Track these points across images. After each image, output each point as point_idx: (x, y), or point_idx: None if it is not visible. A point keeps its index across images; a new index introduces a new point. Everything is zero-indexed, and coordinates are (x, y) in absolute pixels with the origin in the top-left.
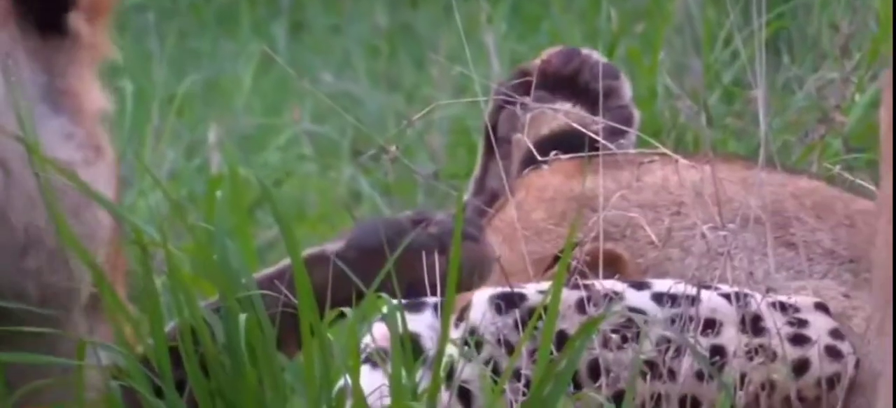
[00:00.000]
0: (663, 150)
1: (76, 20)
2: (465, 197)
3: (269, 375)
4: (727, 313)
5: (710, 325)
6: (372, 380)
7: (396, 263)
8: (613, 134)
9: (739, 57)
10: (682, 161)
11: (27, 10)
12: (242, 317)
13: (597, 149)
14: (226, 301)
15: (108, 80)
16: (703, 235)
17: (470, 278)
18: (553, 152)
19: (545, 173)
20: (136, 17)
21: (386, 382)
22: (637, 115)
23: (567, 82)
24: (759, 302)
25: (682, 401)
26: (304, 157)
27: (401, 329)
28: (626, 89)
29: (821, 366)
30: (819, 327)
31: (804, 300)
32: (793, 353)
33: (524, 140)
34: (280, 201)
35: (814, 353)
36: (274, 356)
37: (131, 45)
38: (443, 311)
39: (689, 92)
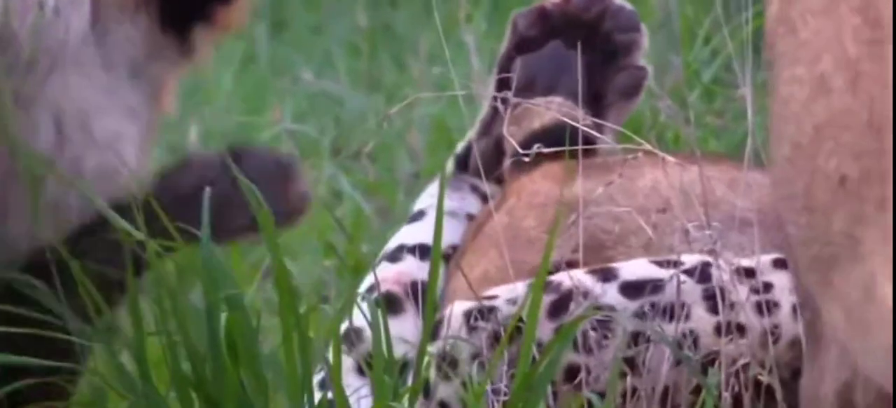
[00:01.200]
0: (649, 147)
1: (199, 35)
2: (471, 135)
3: (252, 373)
4: (693, 292)
5: (680, 308)
6: (352, 381)
7: (209, 209)
8: (624, 96)
9: (719, 55)
10: (670, 159)
11: (159, 2)
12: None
13: (587, 145)
14: (208, 298)
15: None
16: (688, 235)
17: (285, 222)
18: (539, 148)
19: (536, 178)
20: None
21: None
22: (649, 71)
23: (586, 28)
24: (722, 272)
25: (663, 392)
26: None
27: (382, 331)
28: (645, 42)
29: (791, 327)
30: (783, 285)
31: (764, 259)
32: (763, 323)
33: (511, 140)
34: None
35: (783, 316)
36: (257, 354)
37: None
38: (424, 313)
39: (670, 90)
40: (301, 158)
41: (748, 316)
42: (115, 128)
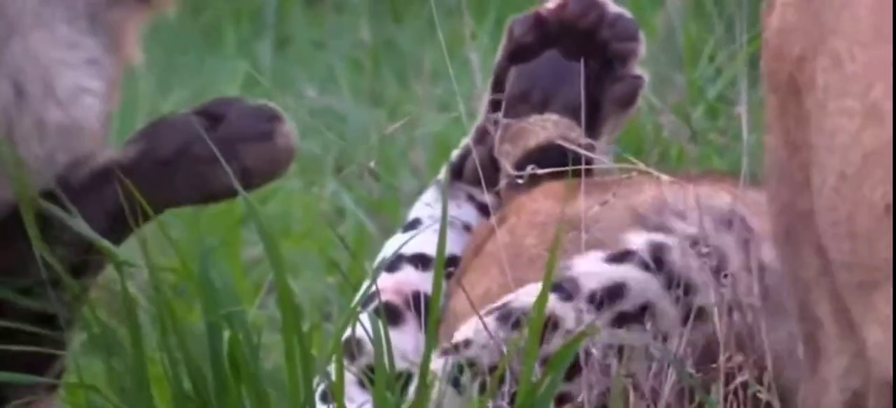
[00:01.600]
0: (642, 166)
1: None
2: (467, 141)
3: (254, 391)
4: (654, 288)
5: (645, 310)
6: (357, 396)
7: (189, 173)
8: (620, 106)
9: (723, 72)
10: (664, 178)
11: None
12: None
13: (583, 164)
14: (209, 317)
15: None
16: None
17: (268, 178)
18: (532, 167)
19: (537, 196)
20: None
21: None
22: (646, 79)
23: (583, 36)
24: (676, 250)
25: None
26: (288, 173)
27: (385, 346)
28: (642, 51)
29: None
30: (733, 248)
31: (709, 225)
32: (721, 297)
33: (506, 162)
34: (264, 218)
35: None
36: (259, 372)
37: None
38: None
39: (673, 107)
40: (303, 174)
41: (710, 297)
42: (78, 82)
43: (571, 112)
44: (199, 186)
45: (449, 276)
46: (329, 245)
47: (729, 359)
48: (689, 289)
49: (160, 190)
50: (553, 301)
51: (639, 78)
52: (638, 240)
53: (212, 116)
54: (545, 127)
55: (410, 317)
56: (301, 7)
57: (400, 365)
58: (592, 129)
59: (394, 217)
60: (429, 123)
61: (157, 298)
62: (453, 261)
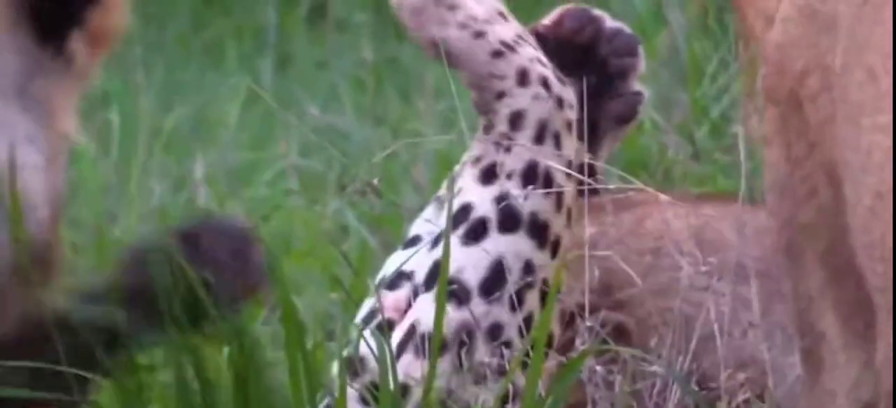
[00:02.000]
0: (640, 185)
1: (76, 43)
2: (467, 158)
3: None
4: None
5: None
6: None
7: (166, 295)
8: (619, 122)
9: (727, 91)
10: (663, 197)
11: (29, 15)
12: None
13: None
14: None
15: (94, 112)
16: (692, 285)
17: (243, 302)
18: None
19: None
20: (123, 50)
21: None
22: (646, 95)
23: (581, 52)
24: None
25: None
26: (291, 191)
27: (389, 364)
28: (642, 66)
29: None
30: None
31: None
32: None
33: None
34: (267, 236)
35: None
36: (264, 390)
37: (118, 78)
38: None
39: (677, 126)
40: (305, 192)
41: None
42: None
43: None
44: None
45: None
46: (332, 262)
47: (730, 377)
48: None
49: (141, 315)
50: (452, 312)
51: (638, 94)
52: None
53: (187, 238)
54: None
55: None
56: (303, 25)
57: (401, 382)
58: (591, 146)
59: (396, 234)
60: (431, 141)
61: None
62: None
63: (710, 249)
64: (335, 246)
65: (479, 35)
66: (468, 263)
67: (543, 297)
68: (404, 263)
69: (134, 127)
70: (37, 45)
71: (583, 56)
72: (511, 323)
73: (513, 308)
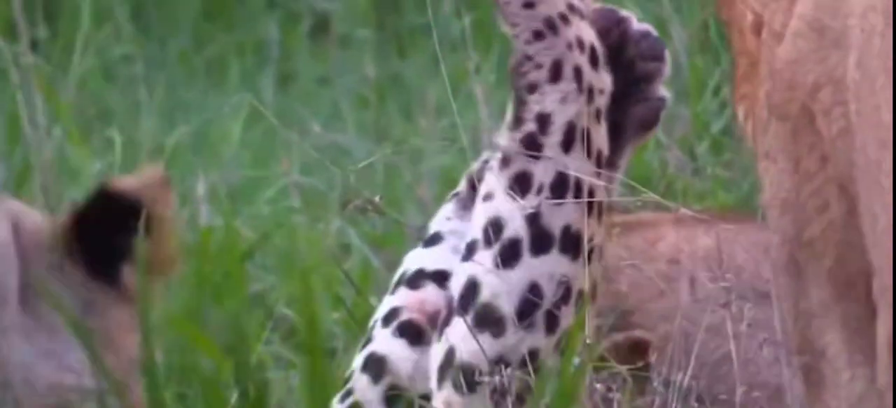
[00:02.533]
0: (655, 197)
1: (128, 275)
2: (485, 156)
3: None
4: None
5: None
6: None
7: None
8: (642, 127)
9: (728, 107)
10: (685, 211)
11: (82, 250)
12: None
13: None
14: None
15: (96, 129)
16: (713, 311)
17: None
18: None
19: None
20: (125, 68)
21: None
22: (669, 100)
23: (608, 55)
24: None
25: None
26: (293, 209)
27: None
28: (667, 71)
29: None
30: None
31: None
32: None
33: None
34: (269, 254)
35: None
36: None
37: (120, 96)
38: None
39: (678, 141)
40: (308, 210)
41: None
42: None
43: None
44: None
45: None
46: (334, 281)
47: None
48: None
49: None
50: (489, 342)
51: (662, 99)
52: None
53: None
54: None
55: (434, 337)
56: (305, 42)
57: (423, 387)
58: (613, 153)
59: (399, 252)
60: (434, 158)
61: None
62: None
63: (724, 270)
64: (337, 264)
65: (529, 5)
66: (503, 289)
67: (578, 305)
68: (426, 261)
69: (136, 144)
70: (90, 279)
71: (610, 57)
72: (547, 345)
73: (549, 329)
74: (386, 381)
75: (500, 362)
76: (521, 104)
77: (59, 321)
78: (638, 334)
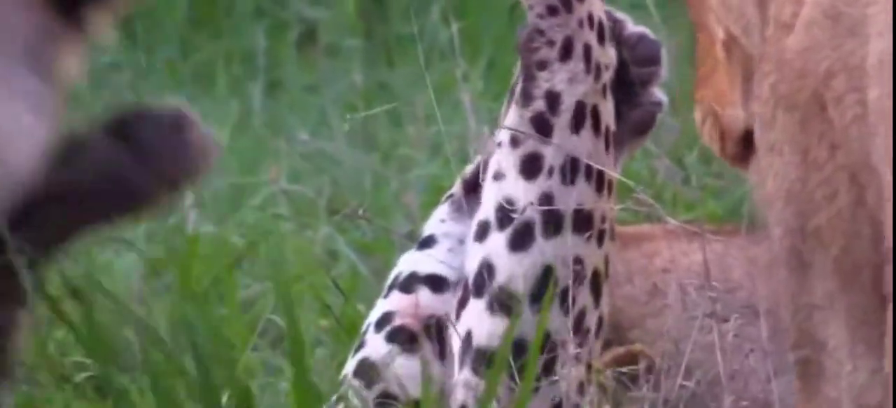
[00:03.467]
0: (652, 202)
1: (89, 13)
2: (479, 158)
3: None
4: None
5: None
6: None
7: (113, 191)
8: (637, 132)
9: None
10: (673, 223)
11: None
12: None
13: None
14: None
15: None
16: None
17: (193, 175)
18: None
19: None
20: (112, 76)
21: None
22: (665, 102)
23: None
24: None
25: None
26: (281, 216)
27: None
28: (664, 74)
29: None
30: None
31: None
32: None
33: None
34: (257, 261)
35: None
36: None
37: (107, 103)
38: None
39: (668, 151)
40: (296, 217)
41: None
42: (11, 116)
43: None
44: (123, 203)
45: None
46: (322, 288)
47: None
48: None
49: (84, 215)
50: (505, 326)
51: (658, 104)
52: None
53: (126, 126)
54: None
55: (427, 345)
56: (293, 50)
57: (414, 395)
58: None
59: (387, 260)
60: (422, 166)
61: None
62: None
63: (719, 286)
64: (325, 272)
65: None
66: (517, 272)
67: (594, 284)
68: (418, 265)
69: None
70: (52, 14)
71: None
72: (562, 327)
73: (565, 310)
74: (378, 387)
75: (516, 344)
76: (529, 79)
77: (18, 50)
78: (638, 347)
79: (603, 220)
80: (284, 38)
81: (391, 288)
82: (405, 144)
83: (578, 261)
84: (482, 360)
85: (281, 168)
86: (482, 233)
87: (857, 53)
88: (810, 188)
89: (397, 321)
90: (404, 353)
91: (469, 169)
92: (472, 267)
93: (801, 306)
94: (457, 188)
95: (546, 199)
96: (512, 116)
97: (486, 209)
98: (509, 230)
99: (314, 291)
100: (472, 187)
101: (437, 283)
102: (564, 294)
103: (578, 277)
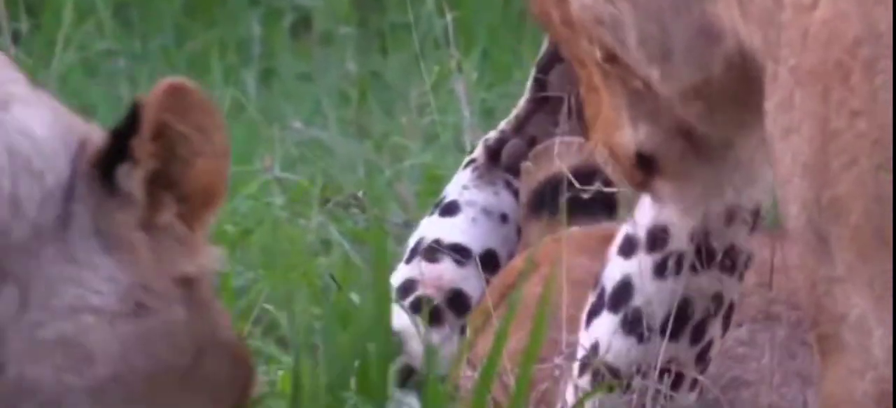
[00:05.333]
0: None
1: (123, 175)
2: (503, 126)
3: None
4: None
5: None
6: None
7: None
8: None
9: None
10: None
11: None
12: None
13: (609, 194)
14: None
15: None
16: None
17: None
18: (550, 199)
19: (572, 250)
20: (107, 63)
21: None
22: None
23: None
24: None
25: None
26: (275, 204)
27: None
28: None
29: None
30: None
31: None
32: None
33: (526, 180)
34: (250, 249)
35: None
36: None
37: (102, 91)
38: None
39: None
40: (289, 206)
41: None
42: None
43: None
44: None
45: (489, 268)
46: (316, 277)
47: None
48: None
49: None
50: (633, 346)
51: None
52: None
53: None
54: (570, 150)
55: (450, 319)
56: (287, 38)
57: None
58: None
59: (380, 249)
60: (415, 155)
61: None
62: (491, 256)
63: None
64: (319, 260)
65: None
66: (656, 298)
67: (726, 318)
68: (442, 231)
69: None
70: (101, 187)
71: None
72: (688, 356)
73: (694, 340)
74: (399, 360)
75: (639, 366)
76: None
77: (88, 240)
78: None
79: (748, 258)
80: (279, 27)
81: (414, 253)
82: (398, 133)
83: (718, 297)
84: (604, 374)
85: (274, 156)
86: (629, 249)
87: (884, 20)
88: (828, 158)
89: (420, 290)
90: (428, 328)
91: (492, 135)
92: (611, 278)
93: (820, 279)
94: (479, 153)
95: (703, 235)
96: None
97: (638, 226)
98: (658, 256)
99: (307, 279)
100: (495, 155)
101: (461, 253)
102: (697, 326)
103: (715, 313)
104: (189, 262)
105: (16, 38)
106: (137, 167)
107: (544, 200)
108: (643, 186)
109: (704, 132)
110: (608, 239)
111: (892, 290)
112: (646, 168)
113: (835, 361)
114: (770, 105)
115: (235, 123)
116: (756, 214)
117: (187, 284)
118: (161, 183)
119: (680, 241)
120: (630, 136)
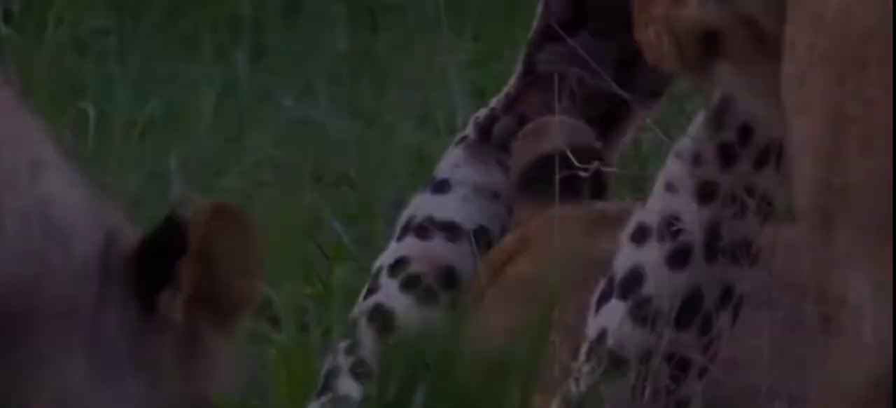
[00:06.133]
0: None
1: (165, 302)
2: (494, 104)
3: None
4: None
5: None
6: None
7: None
8: (650, 96)
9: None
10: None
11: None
12: None
13: (599, 173)
14: None
15: (69, 103)
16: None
17: None
18: (542, 178)
19: (563, 227)
20: (98, 41)
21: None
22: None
23: (623, 16)
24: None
25: None
26: (266, 182)
27: None
28: None
29: None
30: None
31: None
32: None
33: (516, 158)
34: None
35: None
36: None
37: (93, 69)
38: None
39: (654, 120)
40: (281, 185)
41: None
42: None
43: (594, 103)
44: None
45: (480, 245)
46: (307, 255)
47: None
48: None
49: None
50: (639, 334)
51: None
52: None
53: None
54: (559, 129)
55: (442, 296)
56: (279, 17)
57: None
58: (616, 123)
59: (371, 228)
60: (406, 134)
61: None
62: (483, 231)
63: None
64: (310, 238)
65: None
66: (666, 287)
67: (735, 310)
68: (434, 208)
69: (109, 118)
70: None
71: (624, 20)
72: (696, 345)
73: (702, 331)
74: (392, 336)
75: (646, 355)
76: (725, 106)
77: (120, 352)
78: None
79: (759, 251)
80: (270, 5)
81: (405, 231)
82: (389, 112)
83: (728, 289)
84: (610, 361)
85: (266, 134)
86: (641, 236)
87: None
88: (841, 144)
89: (412, 268)
90: (420, 306)
91: (483, 113)
92: (621, 266)
93: (822, 260)
94: (471, 131)
95: (714, 227)
96: (699, 136)
97: (651, 214)
98: (670, 245)
99: (298, 258)
100: (487, 133)
101: (453, 230)
102: (707, 317)
103: (724, 305)
104: (214, 378)
105: (7, 16)
106: (180, 292)
107: (535, 179)
108: (698, 68)
109: (765, 26)
110: (602, 219)
111: (893, 278)
112: (709, 47)
113: (834, 343)
114: (786, 72)
115: (226, 102)
116: (769, 204)
117: (206, 402)
118: (199, 302)
119: (692, 233)
120: (697, 8)
